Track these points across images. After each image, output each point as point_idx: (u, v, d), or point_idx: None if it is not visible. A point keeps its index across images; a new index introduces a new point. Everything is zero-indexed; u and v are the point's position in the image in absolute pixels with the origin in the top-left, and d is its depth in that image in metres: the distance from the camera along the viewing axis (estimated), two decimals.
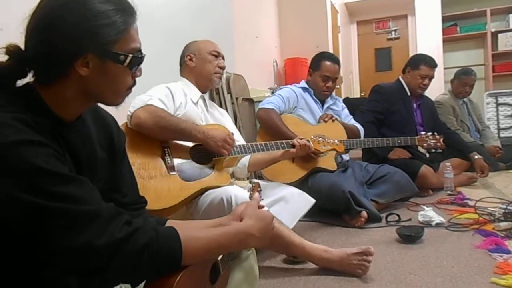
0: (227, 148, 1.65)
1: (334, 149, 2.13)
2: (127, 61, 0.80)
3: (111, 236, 0.70)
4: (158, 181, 1.53)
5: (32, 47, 0.76)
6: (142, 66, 0.86)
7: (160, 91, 1.69)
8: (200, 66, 1.87)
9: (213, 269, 0.95)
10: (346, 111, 2.89)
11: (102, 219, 0.71)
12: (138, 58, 0.83)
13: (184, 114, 1.71)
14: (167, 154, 1.61)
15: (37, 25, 0.76)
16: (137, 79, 0.86)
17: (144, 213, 1.02)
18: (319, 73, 2.60)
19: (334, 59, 2.66)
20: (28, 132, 0.68)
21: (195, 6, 2.96)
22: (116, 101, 0.86)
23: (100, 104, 0.89)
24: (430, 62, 3.09)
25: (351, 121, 2.82)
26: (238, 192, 1.52)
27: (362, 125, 2.81)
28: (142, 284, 0.78)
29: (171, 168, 1.59)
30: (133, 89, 0.87)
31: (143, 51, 0.85)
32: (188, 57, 1.89)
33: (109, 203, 0.76)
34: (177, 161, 1.62)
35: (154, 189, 1.50)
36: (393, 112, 3.04)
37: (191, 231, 0.87)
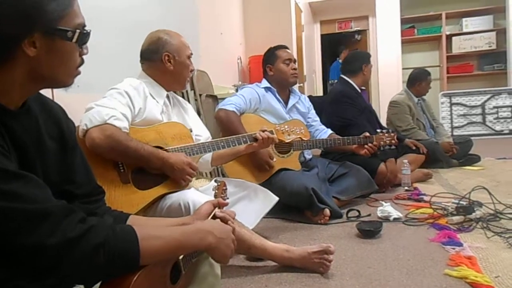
0: (185, 178, 1.57)
1: (300, 138, 2.10)
2: (75, 37, 0.77)
3: (63, 235, 0.67)
4: (111, 192, 1.43)
5: None
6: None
7: (120, 101, 1.53)
8: (178, 71, 1.74)
9: (174, 269, 0.93)
10: (313, 112, 2.84)
11: (53, 218, 0.68)
12: (85, 34, 0.80)
13: (142, 119, 1.60)
14: (120, 163, 1.50)
15: None
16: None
17: (103, 206, 0.98)
18: (280, 60, 2.60)
19: (282, 46, 2.73)
20: None
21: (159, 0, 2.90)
22: (67, 81, 0.81)
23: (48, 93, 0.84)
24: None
25: (319, 128, 2.77)
26: (195, 197, 1.49)
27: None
28: (98, 284, 0.75)
29: (124, 177, 1.50)
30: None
31: (92, 33, 0.81)
32: (166, 57, 1.70)
33: (61, 201, 0.73)
34: (131, 169, 1.52)
35: (107, 200, 1.41)
36: (362, 111, 3.09)
37: (150, 230, 0.85)
